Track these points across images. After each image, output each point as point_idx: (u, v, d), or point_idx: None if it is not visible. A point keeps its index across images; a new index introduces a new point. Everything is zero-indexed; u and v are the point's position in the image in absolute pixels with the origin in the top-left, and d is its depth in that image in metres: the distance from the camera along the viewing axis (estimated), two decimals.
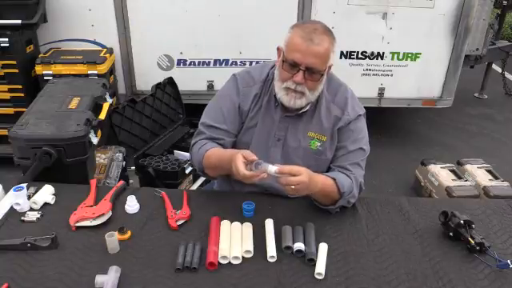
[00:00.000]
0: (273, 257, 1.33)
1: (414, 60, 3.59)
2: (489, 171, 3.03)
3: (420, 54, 3.57)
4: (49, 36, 3.36)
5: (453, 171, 3.05)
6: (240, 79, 1.63)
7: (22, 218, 1.47)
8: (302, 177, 1.34)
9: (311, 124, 1.59)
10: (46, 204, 1.55)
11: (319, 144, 1.59)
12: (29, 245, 1.33)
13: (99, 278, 1.21)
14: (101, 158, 2.29)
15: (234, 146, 1.65)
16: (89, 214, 1.46)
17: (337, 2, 3.36)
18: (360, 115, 1.61)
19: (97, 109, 1.99)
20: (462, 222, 1.42)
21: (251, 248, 1.36)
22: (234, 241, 1.38)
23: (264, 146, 1.61)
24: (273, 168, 1.34)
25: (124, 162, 2.38)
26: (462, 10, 3.40)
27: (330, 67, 1.52)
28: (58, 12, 3.28)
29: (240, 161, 1.35)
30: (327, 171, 1.62)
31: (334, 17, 3.39)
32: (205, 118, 1.65)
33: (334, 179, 1.50)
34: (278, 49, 1.52)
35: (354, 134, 1.59)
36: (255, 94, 1.61)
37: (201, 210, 1.54)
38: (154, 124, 3.20)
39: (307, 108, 1.56)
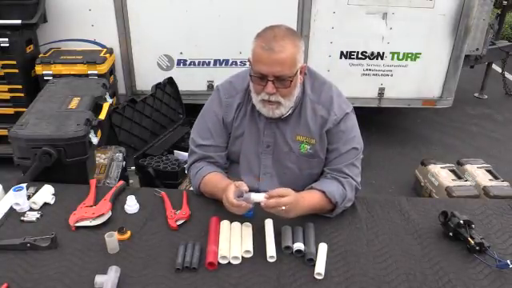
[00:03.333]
0: (272, 257, 1.33)
1: (414, 60, 3.59)
2: (489, 171, 3.03)
3: (420, 54, 3.57)
4: (49, 36, 3.36)
5: (453, 171, 3.05)
6: (222, 90, 1.62)
7: (22, 218, 1.47)
8: (290, 197, 1.35)
9: (298, 127, 1.56)
10: (45, 204, 1.55)
11: (309, 147, 1.57)
12: (28, 245, 1.33)
13: (99, 278, 1.21)
14: (101, 158, 2.29)
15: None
16: (88, 214, 1.46)
17: (337, 2, 3.36)
18: (348, 113, 1.56)
19: (97, 109, 1.99)
20: (461, 221, 1.42)
21: (251, 248, 1.36)
22: (233, 241, 1.38)
23: (254, 154, 1.61)
24: (261, 195, 1.36)
25: (124, 162, 2.38)
26: (462, 10, 3.39)
27: (302, 68, 1.48)
28: (57, 12, 3.27)
29: (231, 191, 1.37)
30: (322, 173, 1.62)
31: (333, 17, 3.40)
32: (193, 134, 1.66)
33: (324, 192, 1.49)
34: (249, 60, 1.49)
35: (345, 135, 1.55)
36: (238, 103, 1.59)
37: (200, 210, 1.54)
38: (154, 124, 3.20)
39: (289, 112, 1.54)
